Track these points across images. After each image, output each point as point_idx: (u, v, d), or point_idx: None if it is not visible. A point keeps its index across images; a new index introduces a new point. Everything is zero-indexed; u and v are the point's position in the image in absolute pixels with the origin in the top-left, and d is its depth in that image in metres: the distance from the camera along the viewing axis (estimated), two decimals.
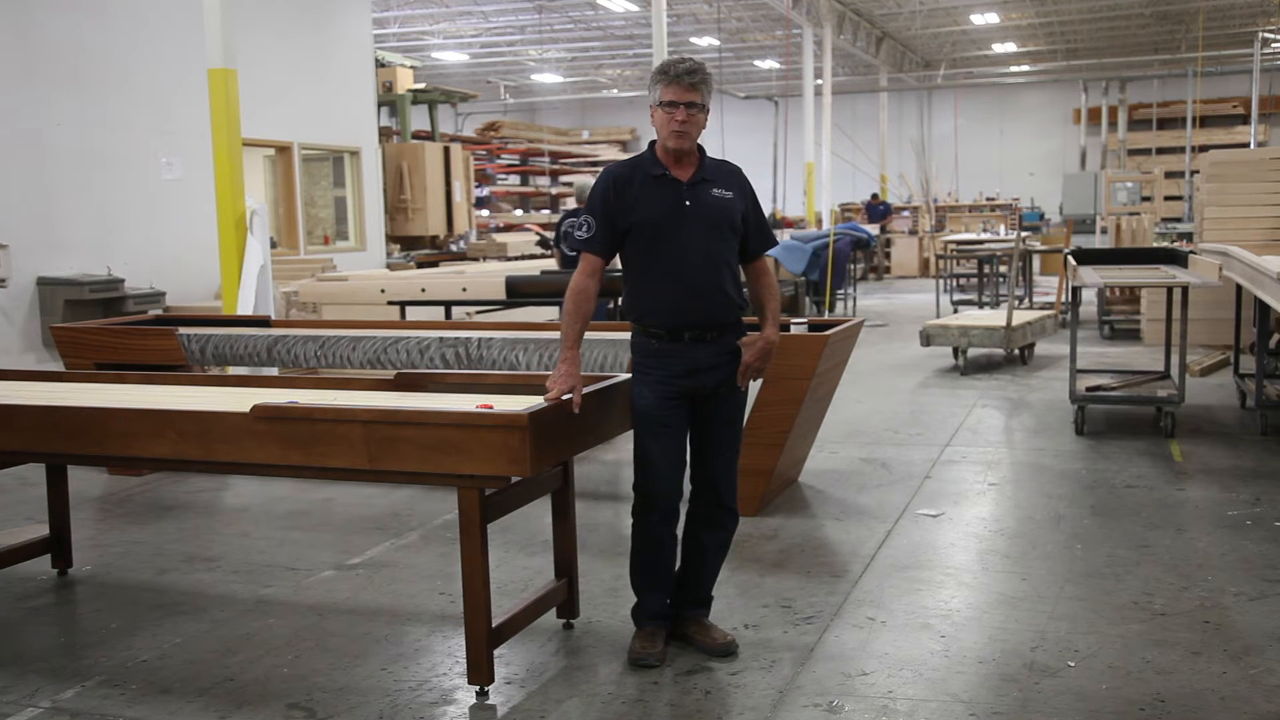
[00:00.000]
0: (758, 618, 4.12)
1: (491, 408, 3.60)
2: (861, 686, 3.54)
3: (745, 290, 3.88)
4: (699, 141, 3.75)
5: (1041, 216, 24.98)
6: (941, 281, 15.21)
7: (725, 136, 24.92)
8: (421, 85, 16.46)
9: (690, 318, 3.68)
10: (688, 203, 3.66)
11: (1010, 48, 27.77)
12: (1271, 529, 5.10)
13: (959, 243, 16.27)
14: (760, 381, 4.50)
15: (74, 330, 6.60)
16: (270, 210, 10.42)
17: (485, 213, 21.87)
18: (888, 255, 22.60)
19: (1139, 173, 20.96)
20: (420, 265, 13.37)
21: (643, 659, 3.73)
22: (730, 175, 3.78)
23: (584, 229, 3.73)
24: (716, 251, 3.68)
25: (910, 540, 5.07)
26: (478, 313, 8.51)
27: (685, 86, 3.60)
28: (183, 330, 6.42)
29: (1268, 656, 3.70)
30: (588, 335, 5.68)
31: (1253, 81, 20.10)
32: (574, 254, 3.85)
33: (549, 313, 8.68)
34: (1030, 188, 28.36)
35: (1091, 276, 7.45)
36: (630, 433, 3.82)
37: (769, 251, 3.94)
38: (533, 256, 15.08)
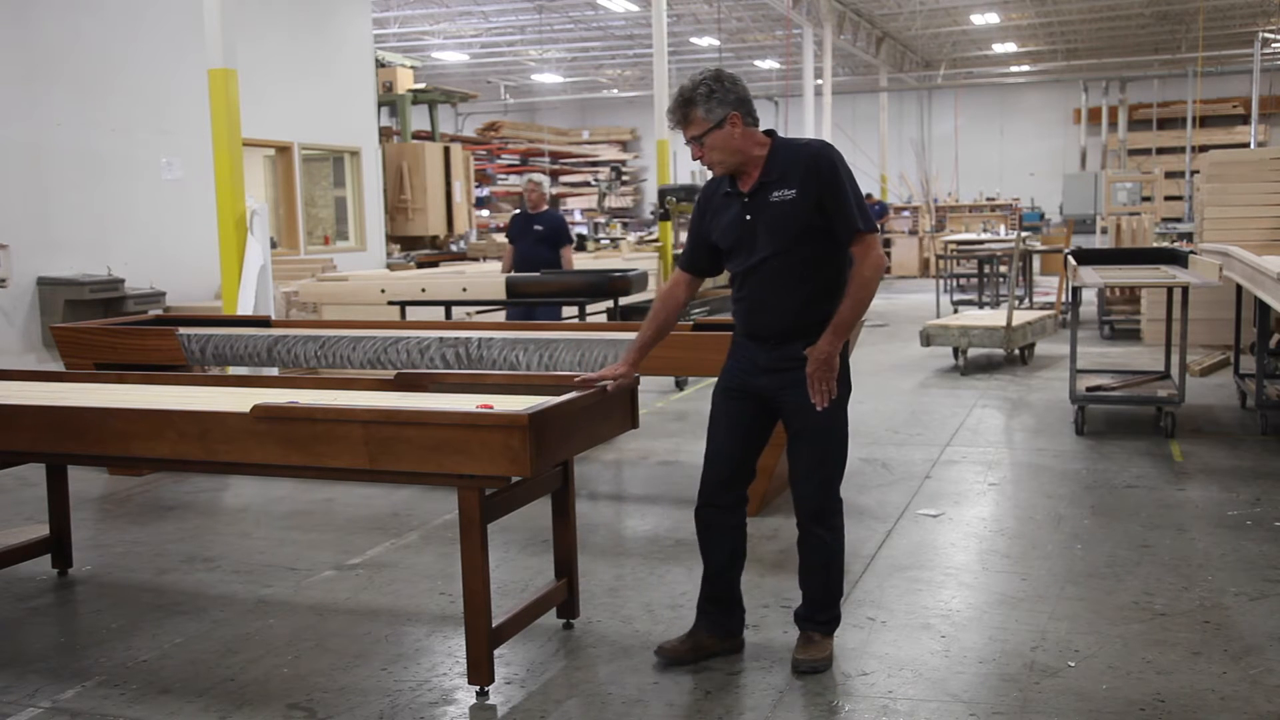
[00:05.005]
0: (758, 618, 4.12)
1: (491, 408, 3.60)
2: (861, 686, 3.54)
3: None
4: (768, 130, 3.60)
5: (1042, 216, 24.98)
6: (941, 281, 15.21)
7: None
8: (421, 85, 16.46)
9: (753, 328, 3.64)
10: (748, 216, 3.55)
11: (1010, 48, 27.76)
12: (1271, 529, 5.10)
13: (959, 243, 16.28)
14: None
15: (74, 330, 6.60)
16: (270, 210, 10.42)
17: (485, 213, 21.89)
18: (887, 255, 22.60)
19: (1139, 173, 20.96)
20: (420, 265, 13.37)
21: (657, 651, 3.75)
22: (797, 164, 3.50)
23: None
24: (782, 262, 3.52)
25: (910, 540, 5.07)
26: (478, 313, 8.51)
27: (680, 126, 3.56)
28: (183, 330, 6.42)
29: (1268, 656, 3.70)
30: (588, 335, 5.70)
31: (1253, 81, 20.11)
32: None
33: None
34: (1030, 188, 28.35)
35: (1091, 276, 7.45)
36: (632, 433, 3.82)
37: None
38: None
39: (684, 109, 3.52)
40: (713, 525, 3.73)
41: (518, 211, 9.06)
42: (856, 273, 3.48)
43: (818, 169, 3.48)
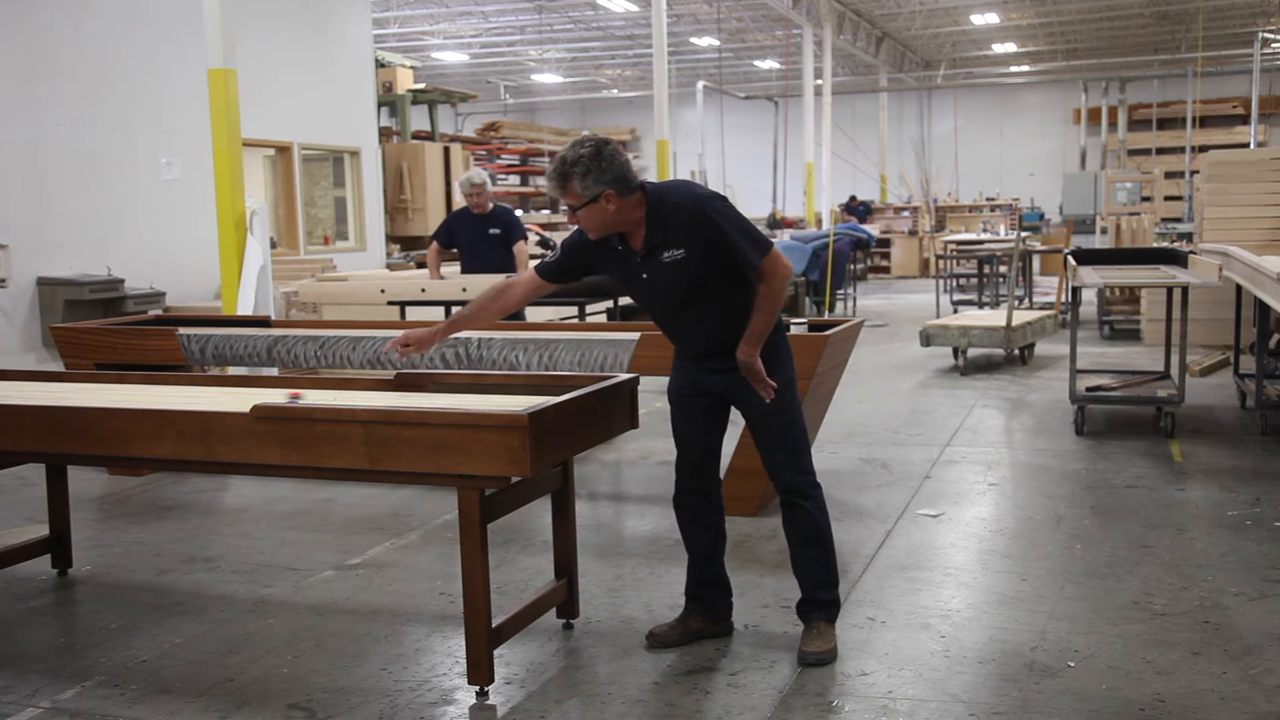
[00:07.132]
0: (758, 618, 4.12)
1: (300, 397, 3.84)
2: (861, 686, 3.54)
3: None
4: (644, 181, 3.64)
5: (1041, 216, 24.98)
6: (941, 281, 15.21)
7: (725, 136, 24.92)
8: (421, 85, 16.46)
9: (688, 351, 3.83)
10: (645, 275, 3.66)
11: (1010, 48, 27.76)
12: (1271, 529, 5.11)
13: (959, 243, 16.28)
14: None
15: (74, 330, 6.60)
16: (270, 210, 10.42)
17: None
18: (885, 256, 22.54)
19: (1139, 173, 20.96)
20: (420, 265, 13.36)
21: (648, 636, 3.90)
22: (679, 224, 3.57)
23: (551, 253, 3.91)
24: (692, 308, 3.67)
25: (910, 540, 5.07)
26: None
27: (553, 192, 3.63)
28: (183, 330, 6.42)
29: (1268, 656, 3.70)
30: (589, 335, 5.69)
31: (1253, 81, 20.11)
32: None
33: (548, 313, 8.69)
34: (1030, 188, 28.35)
35: (1091, 276, 7.45)
36: (632, 433, 3.86)
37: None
38: (532, 257, 15.07)
39: (561, 182, 3.57)
40: (691, 510, 3.92)
41: (458, 211, 8.43)
42: (764, 289, 3.60)
43: (699, 228, 3.56)
